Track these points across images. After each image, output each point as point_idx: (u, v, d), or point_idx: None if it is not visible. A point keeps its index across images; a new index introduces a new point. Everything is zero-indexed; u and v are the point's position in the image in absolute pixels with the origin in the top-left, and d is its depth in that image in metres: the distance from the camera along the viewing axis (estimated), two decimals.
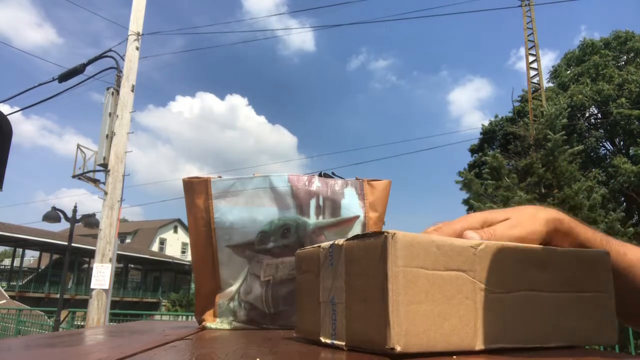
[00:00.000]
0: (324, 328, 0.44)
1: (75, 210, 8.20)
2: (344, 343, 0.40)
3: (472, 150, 17.67)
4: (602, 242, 0.49)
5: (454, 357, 0.36)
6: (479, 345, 0.38)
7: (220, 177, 0.77)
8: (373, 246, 0.37)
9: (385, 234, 0.36)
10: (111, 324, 7.22)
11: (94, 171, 7.12)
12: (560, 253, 0.44)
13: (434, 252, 0.37)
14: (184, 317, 11.64)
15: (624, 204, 13.85)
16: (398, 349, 0.34)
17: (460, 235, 0.46)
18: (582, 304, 0.43)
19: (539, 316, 0.41)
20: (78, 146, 7.24)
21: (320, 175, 0.80)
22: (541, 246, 0.44)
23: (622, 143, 17.00)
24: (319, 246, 0.46)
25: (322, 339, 0.44)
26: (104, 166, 6.91)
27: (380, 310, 0.35)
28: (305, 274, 0.49)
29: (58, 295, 10.13)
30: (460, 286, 0.38)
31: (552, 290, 0.42)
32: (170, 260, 27.53)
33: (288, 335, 0.59)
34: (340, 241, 0.42)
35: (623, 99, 15.69)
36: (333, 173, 0.82)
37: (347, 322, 0.40)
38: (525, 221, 0.47)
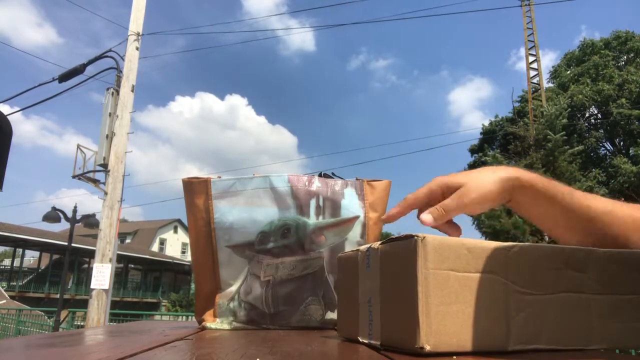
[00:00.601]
0: (362, 328, 0.45)
1: (75, 211, 8.20)
2: (379, 342, 0.41)
3: (472, 150, 17.68)
4: (565, 195, 0.50)
5: (454, 357, 0.36)
6: (512, 346, 0.38)
7: (220, 177, 0.77)
8: (404, 249, 0.38)
9: (415, 237, 0.37)
10: (111, 324, 7.22)
11: (94, 171, 7.12)
12: (601, 254, 0.43)
13: (464, 254, 0.38)
14: (184, 317, 11.63)
15: None
16: (427, 348, 0.35)
17: (424, 199, 0.50)
18: (626, 307, 0.42)
19: (578, 318, 0.41)
20: (78, 146, 7.23)
21: (320, 175, 0.80)
22: (580, 247, 0.43)
23: (622, 143, 17.00)
24: (358, 250, 0.47)
25: (360, 339, 0.45)
26: (104, 166, 6.91)
27: (411, 311, 0.36)
28: (346, 277, 0.51)
29: (58, 295, 10.12)
30: (492, 288, 0.38)
31: (592, 292, 0.42)
32: (170, 260, 27.51)
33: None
34: (376, 244, 0.43)
35: (623, 99, 15.69)
36: (333, 173, 0.82)
37: (381, 323, 0.41)
38: (478, 186, 0.48)
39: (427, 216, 0.47)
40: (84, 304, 8.35)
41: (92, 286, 6.55)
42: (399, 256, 0.39)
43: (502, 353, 0.37)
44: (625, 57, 17.80)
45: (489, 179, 0.49)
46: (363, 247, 0.46)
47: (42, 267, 24.92)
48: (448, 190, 0.50)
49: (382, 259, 0.42)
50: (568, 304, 0.41)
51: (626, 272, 0.43)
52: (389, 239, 0.41)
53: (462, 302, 0.37)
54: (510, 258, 0.39)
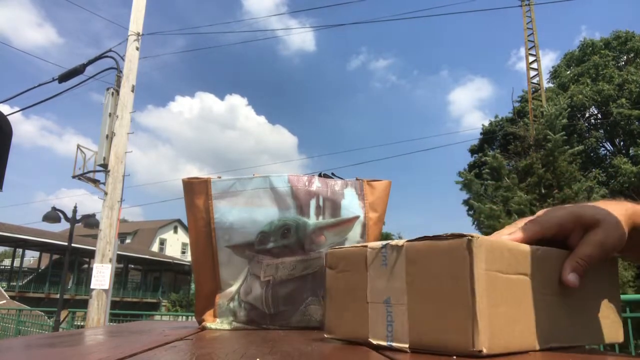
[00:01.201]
0: (375, 330, 0.42)
1: (75, 211, 8.20)
2: (406, 345, 0.39)
3: (472, 151, 17.69)
4: None
5: (454, 357, 0.36)
6: (539, 346, 0.39)
7: (220, 177, 0.77)
8: (451, 249, 0.37)
9: (469, 237, 0.36)
10: (111, 324, 7.22)
11: (94, 171, 7.12)
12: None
13: (507, 256, 0.38)
14: (184, 317, 11.63)
15: None
16: (485, 351, 0.34)
17: (555, 231, 0.44)
18: (604, 306, 0.46)
19: (579, 317, 0.44)
20: (78, 146, 7.24)
21: (320, 175, 0.80)
22: None
23: (622, 143, 17.00)
24: (365, 246, 0.45)
25: (373, 341, 0.42)
26: (104, 166, 6.91)
27: (463, 313, 0.35)
28: (344, 274, 0.47)
29: (58, 296, 10.12)
30: (525, 289, 0.39)
31: (601, 292, 0.45)
32: (170, 260, 27.50)
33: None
34: (400, 242, 0.41)
35: (623, 99, 15.70)
36: (333, 173, 0.82)
37: (411, 324, 0.39)
38: (616, 228, 0.43)
39: (573, 277, 0.42)
40: (84, 304, 8.35)
41: (92, 286, 6.55)
42: (439, 255, 0.38)
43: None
44: (625, 57, 17.81)
45: (620, 216, 0.43)
46: (375, 244, 0.44)
47: (42, 267, 24.92)
48: (580, 226, 0.44)
49: (409, 258, 0.40)
50: (569, 305, 0.43)
51: (606, 274, 0.47)
52: (421, 237, 0.40)
53: (506, 304, 0.37)
54: (535, 260, 0.41)
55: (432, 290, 0.38)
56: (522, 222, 0.45)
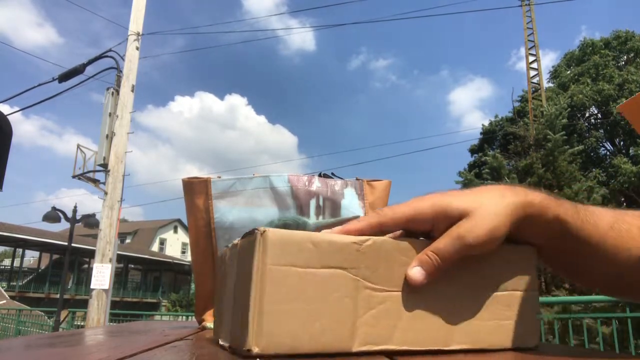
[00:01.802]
0: (222, 329, 0.44)
1: (75, 211, 8.21)
2: (227, 344, 0.40)
3: (472, 151, 17.69)
4: (580, 218, 0.41)
5: None
6: (357, 347, 0.35)
7: (220, 177, 0.77)
8: (249, 244, 0.36)
9: (256, 231, 0.34)
10: (111, 324, 7.21)
11: (94, 171, 7.13)
12: None
13: (309, 248, 0.35)
14: (184, 317, 11.63)
15: (624, 204, 13.86)
16: (255, 350, 0.32)
17: (404, 224, 0.39)
18: (500, 303, 0.40)
19: (438, 317, 0.38)
20: (78, 146, 7.24)
21: (320, 175, 0.80)
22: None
23: (622, 143, 17.01)
24: (235, 244, 0.44)
25: (220, 342, 0.43)
26: (104, 166, 6.92)
27: (245, 311, 0.34)
28: (220, 276, 0.49)
29: (58, 296, 10.13)
30: (339, 284, 0.35)
31: (454, 288, 0.39)
32: (170, 260, 27.52)
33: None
34: (237, 240, 0.41)
35: (623, 99, 15.66)
36: (333, 173, 0.82)
37: (232, 323, 0.39)
38: (485, 218, 0.37)
39: (416, 272, 0.37)
40: (84, 304, 8.35)
41: (92, 286, 6.55)
42: (246, 252, 0.37)
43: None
44: (625, 57, 17.82)
45: (498, 207, 0.37)
46: (234, 243, 0.43)
47: (42, 267, 24.94)
48: (444, 218, 0.38)
49: (239, 256, 0.39)
50: (426, 301, 0.38)
51: (503, 267, 0.40)
52: (246, 233, 0.39)
53: (303, 300, 0.34)
54: (363, 252, 0.37)
55: (240, 288, 0.38)
56: (371, 213, 0.41)
